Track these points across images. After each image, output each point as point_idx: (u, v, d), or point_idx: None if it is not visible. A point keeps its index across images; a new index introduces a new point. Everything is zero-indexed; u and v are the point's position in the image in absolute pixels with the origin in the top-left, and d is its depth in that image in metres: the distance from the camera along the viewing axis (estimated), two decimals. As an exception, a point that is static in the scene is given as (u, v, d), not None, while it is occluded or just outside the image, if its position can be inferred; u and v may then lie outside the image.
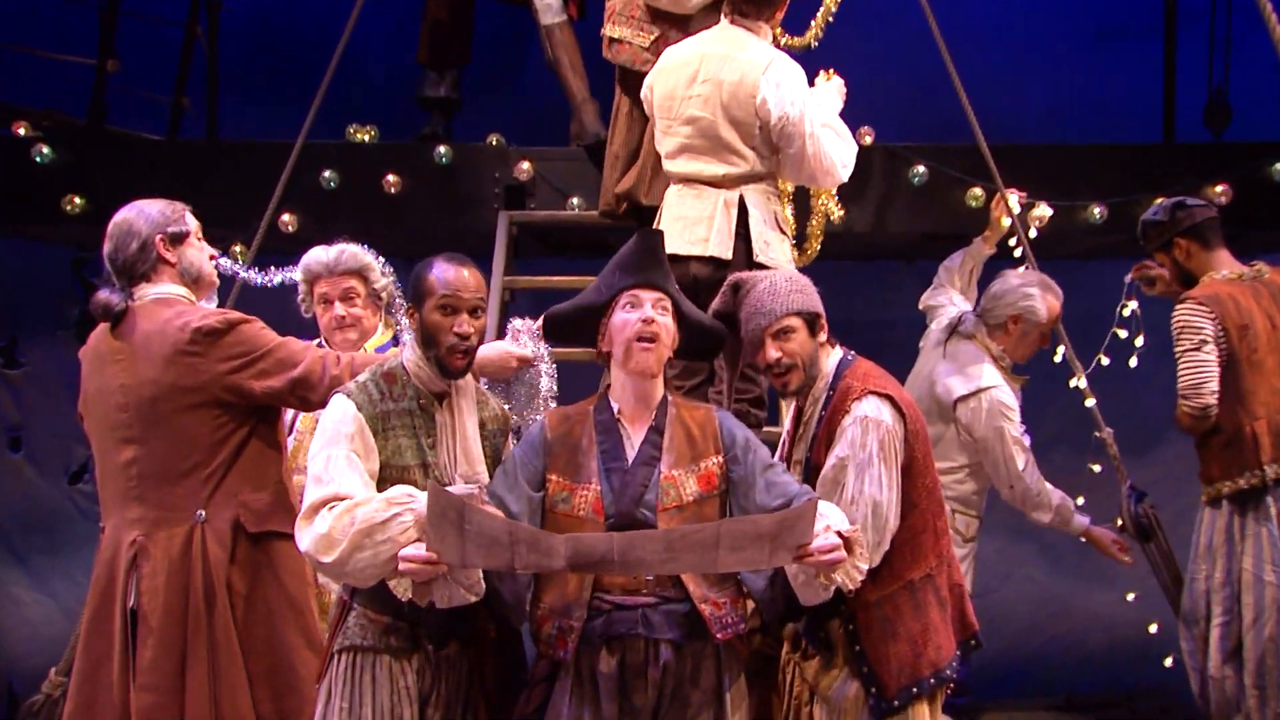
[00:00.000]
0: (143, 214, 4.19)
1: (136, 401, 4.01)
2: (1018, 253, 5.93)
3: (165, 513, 4.02)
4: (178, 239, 4.20)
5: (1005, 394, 5.39)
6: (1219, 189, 6.44)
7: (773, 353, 3.84)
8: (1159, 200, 5.91)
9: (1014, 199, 5.94)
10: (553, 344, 4.08)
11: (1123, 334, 5.89)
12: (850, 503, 3.68)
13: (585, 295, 3.81)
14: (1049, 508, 5.47)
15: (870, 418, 3.76)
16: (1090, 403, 5.84)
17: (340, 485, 3.45)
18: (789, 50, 5.42)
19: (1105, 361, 5.86)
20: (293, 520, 3.64)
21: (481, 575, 3.47)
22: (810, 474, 3.88)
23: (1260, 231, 6.54)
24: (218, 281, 4.40)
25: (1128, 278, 5.80)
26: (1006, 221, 5.94)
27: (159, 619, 3.95)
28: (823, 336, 3.94)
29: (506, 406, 4.03)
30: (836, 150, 4.92)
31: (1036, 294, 5.39)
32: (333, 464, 3.49)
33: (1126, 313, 5.83)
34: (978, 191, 6.54)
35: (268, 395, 4.03)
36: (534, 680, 3.67)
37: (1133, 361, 5.87)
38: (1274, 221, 6.66)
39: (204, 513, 4.00)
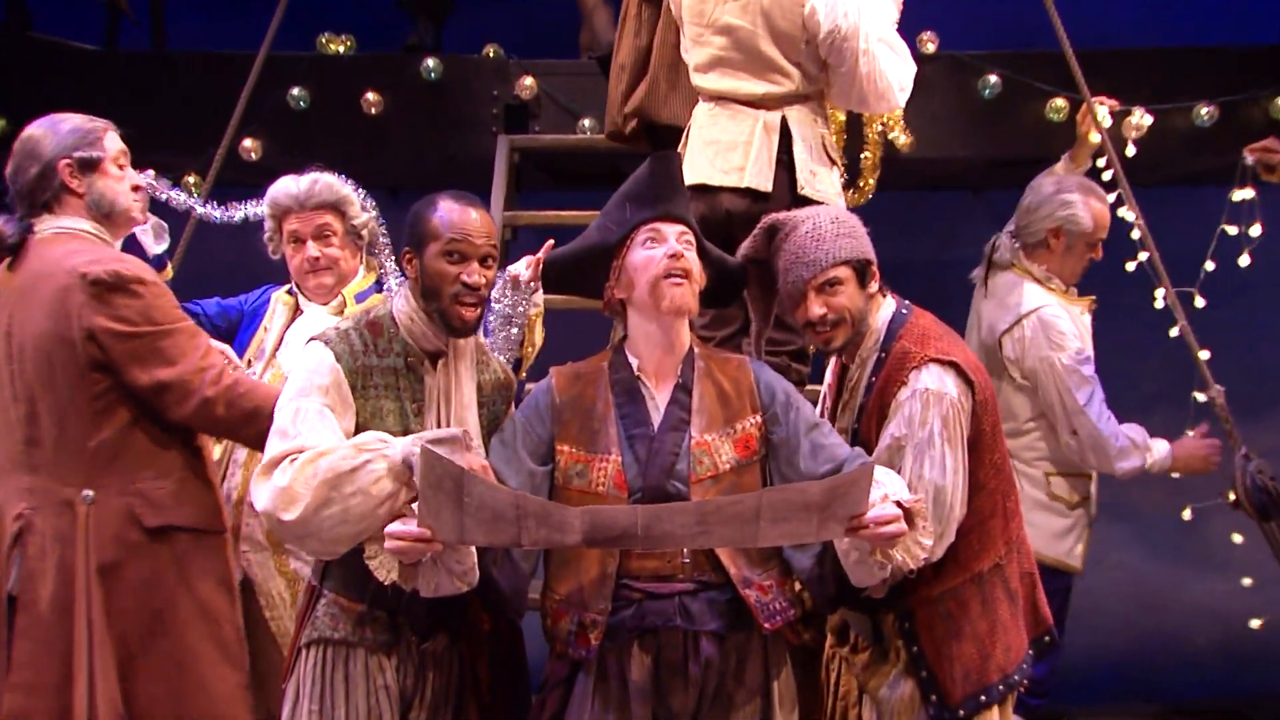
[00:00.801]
0: (52, 131, 4.04)
1: (20, 351, 3.86)
2: (1108, 176, 5.78)
3: (56, 486, 3.86)
4: (89, 165, 4.05)
5: (1056, 316, 5.19)
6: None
7: (816, 308, 3.73)
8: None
9: (1104, 110, 5.79)
10: (550, 292, 4.03)
11: (1243, 261, 5.78)
12: (908, 489, 3.55)
13: (590, 235, 3.75)
14: (1130, 452, 5.21)
15: (931, 391, 3.67)
16: (1204, 355, 5.69)
17: (307, 439, 3.38)
18: None
19: (1200, 303, 5.72)
20: (206, 515, 3.75)
21: (475, 561, 3.40)
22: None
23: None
24: (141, 219, 4.25)
25: (1248, 158, 5.78)
26: (1096, 138, 5.77)
27: (43, 609, 3.80)
28: (874, 286, 3.83)
29: None
30: (893, 69, 4.79)
31: (1077, 199, 5.21)
32: (301, 417, 3.42)
33: (1237, 197, 5.75)
34: (1060, 103, 6.52)
35: (129, 381, 3.85)
36: (549, 684, 3.61)
37: (1242, 285, 5.77)
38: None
39: (90, 493, 3.84)
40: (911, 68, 4.86)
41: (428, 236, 3.53)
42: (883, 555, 3.38)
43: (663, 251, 3.54)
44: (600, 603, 3.48)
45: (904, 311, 3.86)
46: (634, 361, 3.64)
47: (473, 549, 3.39)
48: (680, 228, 3.61)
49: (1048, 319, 5.15)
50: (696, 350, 3.69)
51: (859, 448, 3.69)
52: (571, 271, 3.78)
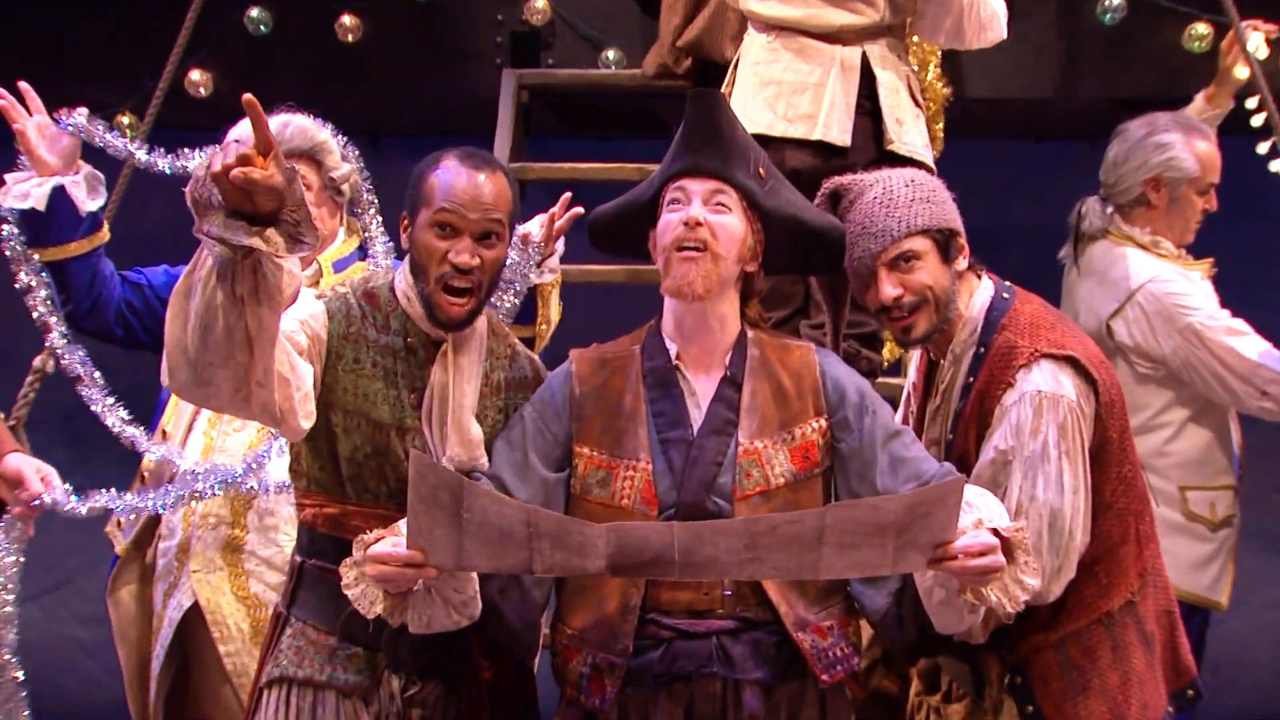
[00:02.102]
0: None
1: None
2: (1259, 120, 5.76)
3: None
4: None
5: (1171, 282, 5.10)
6: None
7: (889, 288, 3.73)
8: None
9: (1257, 38, 5.78)
10: (606, 252, 3.98)
11: None
12: (1017, 513, 3.56)
13: (637, 189, 3.74)
14: None
15: (1045, 394, 3.65)
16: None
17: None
18: None
19: None
20: None
21: (477, 590, 3.39)
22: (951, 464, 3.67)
23: None
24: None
25: None
26: (1244, 71, 5.75)
27: None
28: (962, 263, 3.82)
29: None
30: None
31: (1176, 139, 5.15)
32: None
33: None
34: (1201, 29, 6.52)
35: None
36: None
37: None
38: None
39: None
40: (1003, 6, 4.87)
41: (421, 201, 3.54)
42: (974, 595, 3.25)
43: (679, 215, 3.50)
44: (621, 641, 3.45)
45: (1005, 296, 3.84)
46: (672, 347, 3.61)
47: (474, 575, 3.37)
48: (712, 184, 3.54)
49: (1163, 289, 5.05)
50: (750, 335, 3.63)
51: (950, 464, 3.59)
52: (618, 233, 3.77)
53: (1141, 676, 3.73)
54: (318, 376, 3.49)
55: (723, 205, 3.53)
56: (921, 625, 3.49)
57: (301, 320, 3.46)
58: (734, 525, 3.26)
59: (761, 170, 3.63)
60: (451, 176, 3.50)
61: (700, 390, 3.59)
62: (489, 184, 3.51)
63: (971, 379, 3.78)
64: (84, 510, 4.54)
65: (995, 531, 3.21)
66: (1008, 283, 3.90)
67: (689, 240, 3.47)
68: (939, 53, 5.89)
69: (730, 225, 3.52)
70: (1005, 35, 4.91)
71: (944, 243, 3.76)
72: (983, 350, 3.77)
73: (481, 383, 3.69)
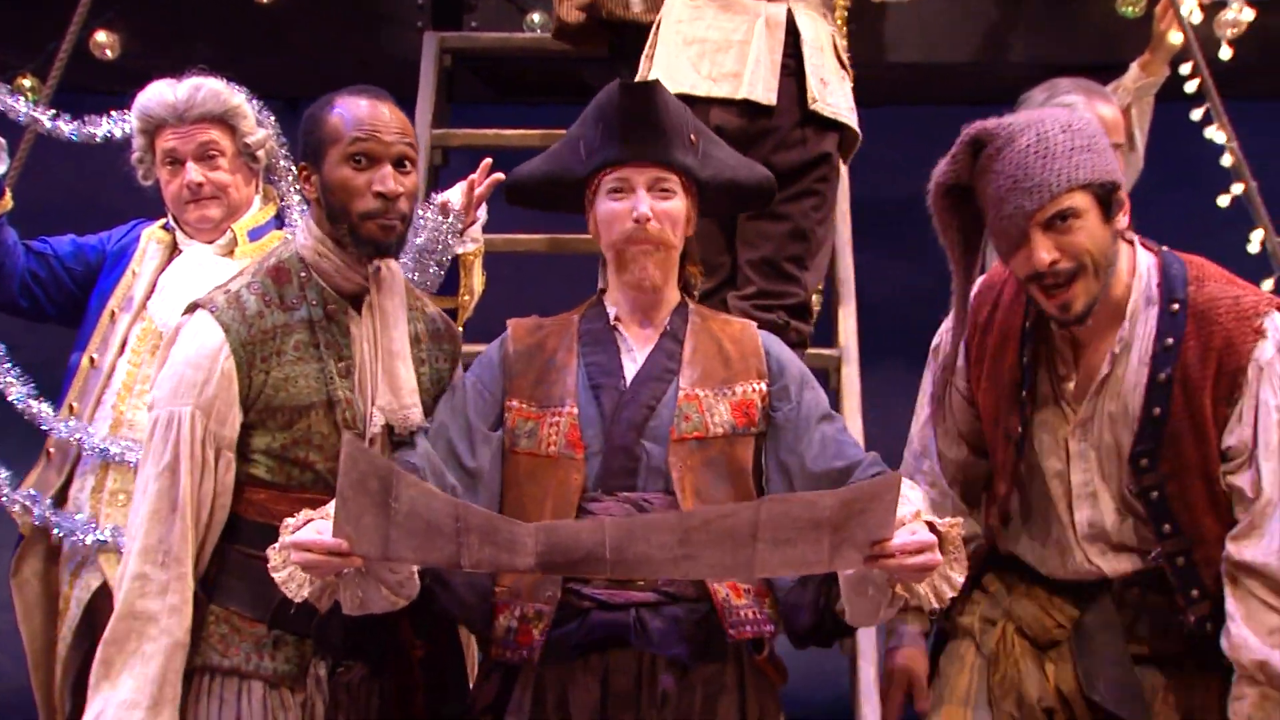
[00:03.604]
0: None
1: None
2: (1193, 86, 5.82)
3: None
4: None
5: None
6: None
7: (1044, 253, 3.31)
8: None
9: (1190, 3, 5.84)
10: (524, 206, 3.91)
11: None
12: None
13: (558, 155, 3.72)
14: None
15: None
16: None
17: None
18: None
19: None
20: None
21: (414, 569, 3.35)
22: (1161, 460, 3.48)
23: None
24: None
25: None
26: (1178, 38, 5.79)
27: None
28: (1123, 220, 3.43)
29: None
30: None
31: (1079, 101, 4.99)
32: (164, 513, 3.46)
33: None
34: (1135, -4, 6.49)
35: None
36: (478, 704, 3.58)
37: None
38: None
39: None
40: None
41: (326, 140, 3.51)
42: (905, 590, 3.23)
43: (628, 207, 3.51)
44: (549, 589, 3.43)
45: (1174, 258, 3.54)
46: (612, 310, 3.62)
47: None
48: (653, 172, 3.55)
49: None
50: (690, 305, 3.66)
51: (875, 453, 3.53)
52: (540, 196, 3.75)
53: None
54: (230, 440, 3.52)
55: (666, 191, 3.56)
56: (820, 614, 3.47)
57: (197, 385, 3.49)
58: (668, 520, 3.21)
59: (693, 137, 3.64)
60: (355, 110, 3.51)
61: (637, 347, 3.60)
62: (393, 112, 3.55)
63: (1170, 340, 3.40)
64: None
65: (933, 526, 3.17)
66: (1166, 248, 3.57)
67: (641, 236, 3.52)
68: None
69: (675, 209, 3.57)
70: None
71: (1105, 198, 3.35)
72: (1177, 307, 3.40)
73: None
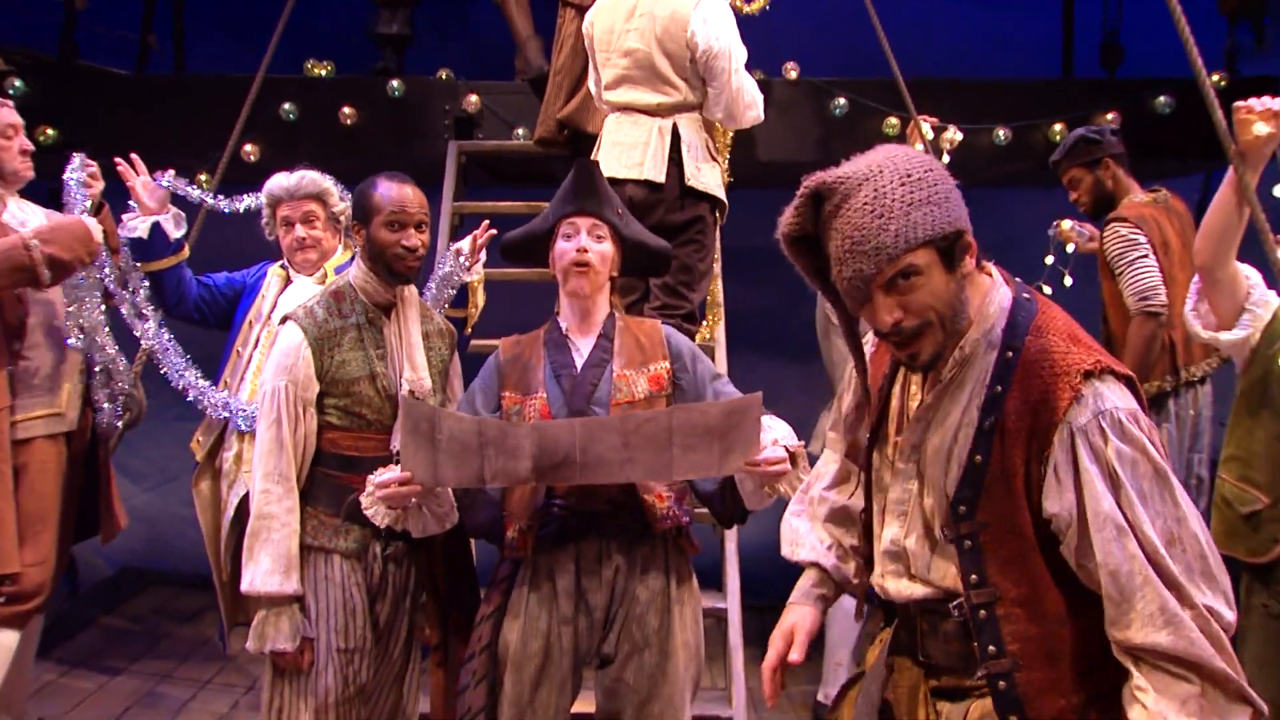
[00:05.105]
0: None
1: None
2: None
3: None
4: None
5: None
6: (1109, 117, 6.51)
7: (886, 315, 2.27)
8: (1058, 127, 6.16)
9: (927, 126, 5.88)
10: (512, 264, 3.93)
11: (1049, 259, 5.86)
12: (1171, 544, 2.17)
13: (534, 223, 3.68)
14: None
15: (1129, 410, 2.22)
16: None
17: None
18: (738, 15, 5.36)
19: (1048, 291, 5.67)
20: None
21: (454, 504, 3.45)
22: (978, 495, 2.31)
23: (1148, 160, 6.49)
24: (28, 175, 4.40)
25: (1051, 230, 5.84)
26: (920, 147, 5.81)
27: None
28: (969, 263, 2.30)
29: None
30: (754, 92, 4.90)
31: None
32: (280, 451, 3.49)
33: (1049, 260, 5.83)
34: (893, 120, 6.61)
35: None
36: (495, 580, 3.57)
37: (1062, 281, 5.79)
38: (1160, 151, 6.71)
39: None
40: (761, 97, 4.93)
41: (371, 211, 3.55)
42: (770, 488, 3.25)
43: (572, 244, 3.52)
44: (533, 513, 3.45)
45: (1027, 297, 2.38)
46: (563, 324, 3.60)
47: (449, 493, 3.43)
48: (591, 221, 3.53)
49: None
50: (616, 315, 3.64)
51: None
52: (523, 250, 3.70)
53: None
54: (310, 400, 3.56)
55: (600, 235, 3.55)
56: (735, 504, 3.41)
57: (288, 368, 3.54)
58: (614, 421, 3.23)
59: (619, 211, 3.65)
60: (390, 191, 3.56)
61: (583, 348, 3.56)
62: (415, 192, 3.60)
63: (1000, 388, 2.27)
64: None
65: (785, 447, 3.19)
66: (1025, 285, 2.42)
67: (579, 260, 3.50)
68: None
69: (604, 249, 3.55)
70: (763, 118, 4.96)
71: (948, 250, 2.25)
72: (1011, 355, 2.29)
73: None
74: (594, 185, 3.60)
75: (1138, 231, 5.08)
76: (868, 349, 2.61)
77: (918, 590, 2.43)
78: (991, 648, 2.28)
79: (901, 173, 2.22)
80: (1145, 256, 5.05)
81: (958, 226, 2.23)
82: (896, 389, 2.52)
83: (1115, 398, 2.20)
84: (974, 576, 2.30)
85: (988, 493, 2.28)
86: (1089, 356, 2.23)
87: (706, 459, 3.17)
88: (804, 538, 2.81)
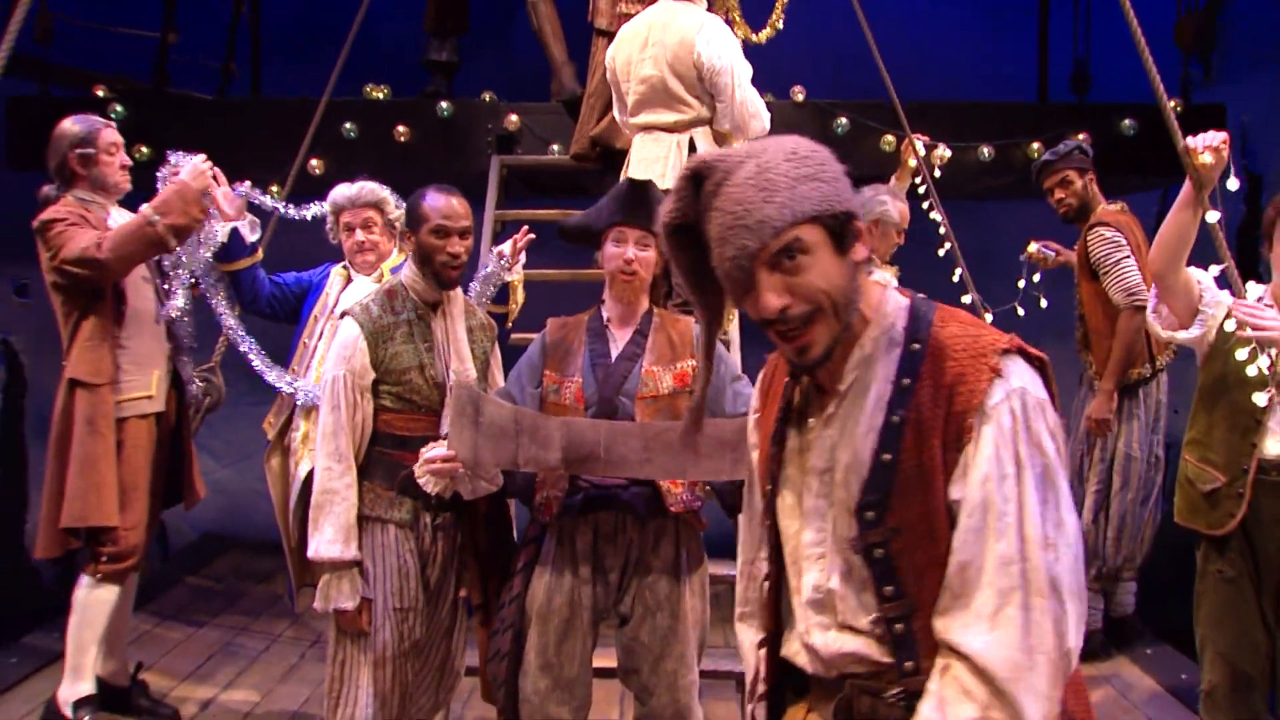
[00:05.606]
0: (65, 133, 4.35)
1: None
2: (923, 190, 5.81)
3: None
4: (87, 160, 4.32)
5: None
6: (1080, 137, 6.45)
7: (771, 297, 1.80)
8: (1035, 145, 6.22)
9: (919, 144, 5.83)
10: (567, 242, 3.80)
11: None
12: (1050, 545, 1.77)
13: (589, 215, 3.60)
14: None
15: (1031, 394, 1.81)
16: (988, 317, 5.68)
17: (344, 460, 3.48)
18: (749, 43, 5.33)
19: (1021, 312, 5.71)
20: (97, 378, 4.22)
21: (499, 471, 3.43)
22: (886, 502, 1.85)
23: (1112, 176, 6.42)
24: (127, 187, 4.46)
25: (1022, 257, 5.83)
26: (914, 162, 5.81)
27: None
28: (862, 251, 1.88)
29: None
30: (758, 104, 4.81)
31: (888, 200, 5.11)
32: (335, 432, 3.46)
33: (1021, 284, 5.81)
34: (890, 138, 6.54)
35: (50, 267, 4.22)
36: (525, 540, 3.55)
37: (1035, 305, 5.75)
38: (1123, 169, 6.68)
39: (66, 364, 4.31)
40: (765, 110, 4.83)
41: (420, 219, 3.49)
42: None
43: (620, 252, 3.48)
44: (563, 481, 3.41)
45: (923, 298, 1.96)
46: (605, 315, 3.56)
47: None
48: (639, 232, 3.47)
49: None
50: (655, 311, 3.59)
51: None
52: (578, 235, 3.63)
53: None
54: (366, 387, 3.51)
55: (645, 244, 3.49)
56: (736, 494, 3.31)
57: (347, 358, 3.49)
58: (636, 427, 3.25)
59: None
60: (438, 202, 3.50)
61: (620, 340, 3.51)
62: (460, 203, 3.52)
63: (908, 380, 1.84)
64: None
65: None
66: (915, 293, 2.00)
67: (626, 269, 3.46)
68: None
69: (649, 257, 3.50)
70: (769, 129, 4.79)
71: (838, 230, 1.82)
72: (918, 347, 1.86)
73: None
74: (646, 202, 3.52)
75: (1119, 234, 5.20)
76: (757, 384, 2.17)
77: (848, 643, 1.90)
78: (909, 664, 1.84)
79: (787, 150, 1.83)
80: (1128, 257, 5.17)
81: (848, 208, 1.83)
82: (792, 429, 2.00)
83: (1028, 381, 1.83)
84: (888, 588, 1.85)
85: (898, 494, 1.83)
86: (1002, 337, 1.86)
87: (720, 465, 3.17)
88: (750, 654, 2.19)
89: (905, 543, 1.83)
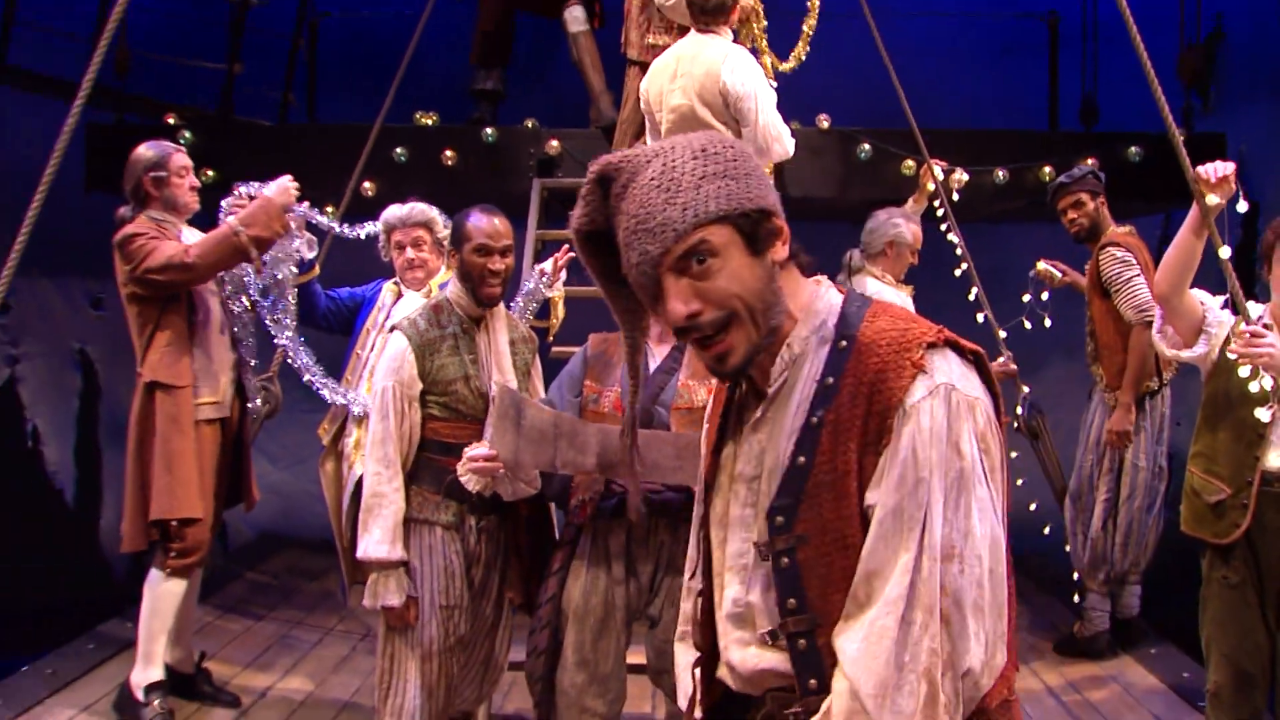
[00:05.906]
0: (139, 157, 4.38)
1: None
2: (940, 212, 5.75)
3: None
4: (160, 182, 4.35)
5: (881, 292, 4.87)
6: (1090, 162, 6.39)
7: (679, 304, 1.60)
8: (1047, 170, 6.26)
9: (938, 169, 5.77)
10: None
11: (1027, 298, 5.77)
12: (948, 557, 1.54)
13: None
14: None
15: (959, 391, 1.58)
16: (1001, 334, 5.61)
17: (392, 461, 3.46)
18: (778, 72, 5.29)
19: (1028, 326, 5.62)
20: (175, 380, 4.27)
21: (538, 473, 3.40)
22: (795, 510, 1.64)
23: (1118, 201, 6.35)
24: (195, 208, 4.49)
25: (1031, 274, 5.77)
26: (932, 186, 5.75)
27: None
28: (781, 251, 1.66)
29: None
30: (781, 128, 4.74)
31: (902, 222, 5.10)
32: (386, 436, 3.44)
33: (1026, 298, 5.72)
34: (910, 163, 6.48)
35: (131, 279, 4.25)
36: (561, 542, 3.53)
37: (1042, 323, 5.64)
38: (1129, 194, 6.60)
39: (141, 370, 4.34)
40: (789, 134, 4.74)
41: (464, 238, 3.47)
42: None
43: None
44: (597, 487, 3.38)
45: (859, 296, 1.73)
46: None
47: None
48: None
49: (883, 299, 4.89)
50: None
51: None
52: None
53: None
54: (414, 397, 3.49)
55: None
56: None
57: (396, 370, 3.47)
58: (670, 436, 3.21)
59: None
60: (481, 222, 3.47)
61: (658, 355, 3.46)
62: (502, 223, 3.50)
63: (831, 379, 1.61)
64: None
65: None
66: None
67: None
68: None
69: None
70: (791, 154, 4.73)
71: (751, 230, 1.61)
72: (845, 344, 1.63)
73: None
74: None
75: (1129, 254, 5.15)
76: (709, 406, 1.93)
77: (765, 659, 1.69)
78: (813, 681, 1.62)
79: (695, 148, 1.62)
80: (1138, 275, 5.14)
81: (761, 205, 1.61)
82: (730, 438, 1.79)
83: (956, 377, 1.58)
84: (791, 601, 1.62)
85: (809, 500, 1.61)
86: (931, 329, 1.62)
87: None
88: (684, 676, 1.97)
89: (812, 551, 1.61)
